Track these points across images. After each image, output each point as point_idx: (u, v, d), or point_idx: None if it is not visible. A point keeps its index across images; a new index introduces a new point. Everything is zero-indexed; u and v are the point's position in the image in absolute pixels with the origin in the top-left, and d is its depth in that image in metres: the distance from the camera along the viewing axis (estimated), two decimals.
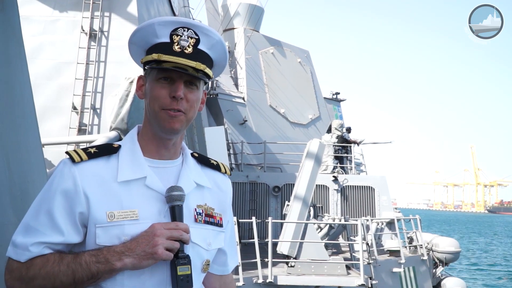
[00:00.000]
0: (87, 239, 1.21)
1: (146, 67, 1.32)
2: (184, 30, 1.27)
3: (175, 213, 1.24)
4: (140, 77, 1.36)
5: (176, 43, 1.26)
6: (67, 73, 7.54)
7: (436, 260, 11.66)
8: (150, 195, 1.26)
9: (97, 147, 1.29)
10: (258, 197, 13.04)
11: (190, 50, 1.26)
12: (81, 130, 7.25)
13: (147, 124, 1.34)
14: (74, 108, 7.34)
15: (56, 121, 7.21)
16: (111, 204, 1.21)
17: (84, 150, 1.26)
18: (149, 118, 1.32)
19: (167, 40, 1.27)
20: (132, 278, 1.20)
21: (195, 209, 1.32)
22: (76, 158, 1.23)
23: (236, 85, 16.99)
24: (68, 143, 6.64)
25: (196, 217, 1.31)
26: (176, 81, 1.26)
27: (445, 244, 11.75)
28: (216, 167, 1.45)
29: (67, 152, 1.26)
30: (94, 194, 1.20)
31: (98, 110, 7.44)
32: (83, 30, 7.71)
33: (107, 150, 1.29)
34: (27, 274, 1.16)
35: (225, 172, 1.47)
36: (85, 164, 1.23)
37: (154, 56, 1.26)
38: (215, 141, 12.37)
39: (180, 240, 1.20)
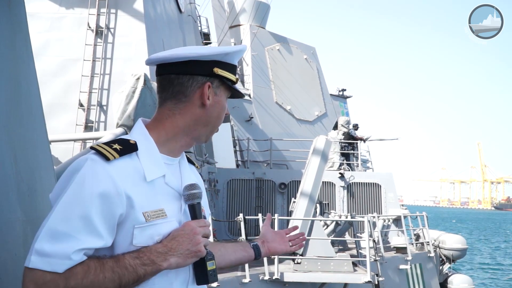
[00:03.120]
0: (118, 240, 1.15)
1: (216, 79, 1.32)
2: None
3: (196, 211, 1.24)
4: (209, 86, 1.29)
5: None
6: (74, 70, 7.57)
7: (443, 257, 11.62)
8: (170, 193, 1.25)
9: (119, 143, 1.20)
10: (264, 194, 13.02)
11: None
12: (87, 127, 7.29)
13: (178, 128, 1.29)
14: (81, 105, 7.37)
15: (63, 118, 7.24)
16: (144, 203, 1.17)
17: (110, 147, 1.17)
18: (195, 125, 1.30)
19: (235, 63, 1.36)
20: (162, 277, 1.18)
21: None
22: (110, 156, 1.14)
23: (242, 82, 16.97)
24: (74, 140, 6.68)
25: None
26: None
27: (452, 241, 11.71)
28: (192, 163, 1.46)
29: (94, 148, 1.16)
30: (134, 194, 1.15)
31: (104, 107, 7.47)
32: (90, 27, 7.73)
33: (130, 147, 1.21)
34: (66, 286, 1.05)
35: (197, 167, 1.49)
36: (118, 162, 1.15)
37: (233, 77, 1.34)
38: (221, 138, 12.37)
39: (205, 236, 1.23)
